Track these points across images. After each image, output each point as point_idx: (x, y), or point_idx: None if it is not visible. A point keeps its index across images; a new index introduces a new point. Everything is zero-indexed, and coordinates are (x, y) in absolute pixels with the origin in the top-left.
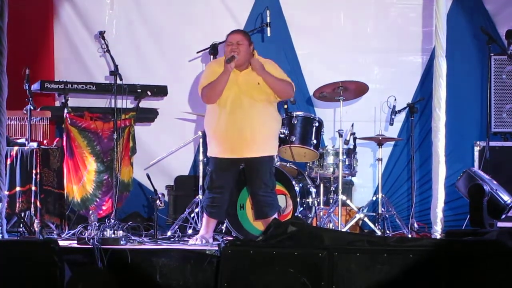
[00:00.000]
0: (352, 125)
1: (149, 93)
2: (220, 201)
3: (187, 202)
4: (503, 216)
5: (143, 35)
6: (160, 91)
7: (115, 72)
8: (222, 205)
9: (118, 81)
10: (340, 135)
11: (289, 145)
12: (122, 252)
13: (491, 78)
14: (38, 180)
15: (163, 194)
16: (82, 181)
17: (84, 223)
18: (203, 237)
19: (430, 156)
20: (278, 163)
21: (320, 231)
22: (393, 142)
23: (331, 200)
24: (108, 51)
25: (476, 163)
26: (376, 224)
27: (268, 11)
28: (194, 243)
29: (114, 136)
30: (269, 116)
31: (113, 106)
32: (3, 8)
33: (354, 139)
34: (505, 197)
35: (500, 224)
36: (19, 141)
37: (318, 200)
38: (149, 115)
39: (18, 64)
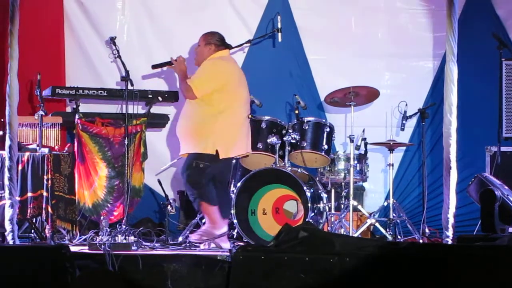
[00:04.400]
0: (363, 131)
1: (160, 98)
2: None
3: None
4: None
5: (154, 41)
6: (171, 97)
7: (126, 78)
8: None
9: (129, 87)
10: (351, 141)
11: (300, 151)
12: (133, 257)
13: (502, 83)
14: (49, 185)
15: (174, 200)
16: (93, 186)
17: (96, 228)
18: (213, 241)
19: (441, 161)
20: (290, 168)
21: (331, 237)
22: (404, 148)
23: (342, 206)
24: (119, 56)
25: (488, 168)
26: (388, 230)
27: (279, 17)
28: (205, 247)
29: (125, 142)
30: (188, 114)
31: (124, 111)
32: (15, 13)
33: (365, 144)
34: None
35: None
36: (30, 146)
37: (329, 206)
38: (160, 121)
39: (29, 70)
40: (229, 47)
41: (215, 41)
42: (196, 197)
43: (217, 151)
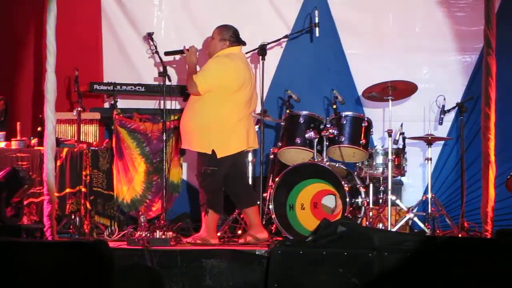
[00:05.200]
0: (401, 125)
1: None
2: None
3: None
4: None
5: (191, 36)
6: None
7: (164, 73)
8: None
9: (167, 82)
10: (389, 135)
11: (338, 145)
12: (172, 253)
13: None
14: (87, 181)
15: None
16: (132, 182)
17: (134, 224)
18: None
19: (479, 155)
20: (328, 163)
21: (369, 231)
22: (442, 142)
23: (380, 200)
24: (157, 52)
25: None
26: (426, 224)
27: (316, 11)
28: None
29: (164, 137)
30: (190, 110)
31: (162, 107)
32: (52, 5)
33: (404, 138)
34: None
35: None
36: (68, 142)
37: (368, 200)
38: None
39: (67, 66)
40: (242, 43)
41: (230, 36)
42: (205, 203)
43: (213, 151)
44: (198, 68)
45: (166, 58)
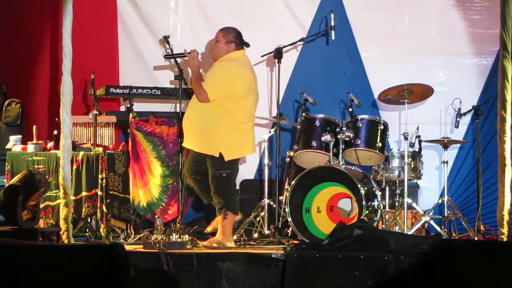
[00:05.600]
0: (417, 128)
1: None
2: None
3: (253, 206)
4: None
5: (207, 39)
6: None
7: (179, 77)
8: (200, 190)
9: (183, 86)
10: (406, 138)
11: (354, 148)
12: (188, 256)
13: None
14: (104, 185)
15: None
16: (148, 185)
17: (150, 227)
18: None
19: (496, 158)
20: (344, 166)
21: (386, 234)
22: (458, 145)
23: (396, 203)
24: (173, 55)
25: None
26: (442, 227)
27: (332, 15)
28: None
29: (180, 141)
30: (195, 110)
31: (178, 110)
32: (68, 9)
33: (420, 142)
34: None
35: None
36: (84, 146)
37: (384, 203)
38: None
39: (83, 69)
40: (246, 44)
41: (234, 38)
42: (223, 206)
43: (220, 154)
44: (202, 72)
45: (178, 60)
